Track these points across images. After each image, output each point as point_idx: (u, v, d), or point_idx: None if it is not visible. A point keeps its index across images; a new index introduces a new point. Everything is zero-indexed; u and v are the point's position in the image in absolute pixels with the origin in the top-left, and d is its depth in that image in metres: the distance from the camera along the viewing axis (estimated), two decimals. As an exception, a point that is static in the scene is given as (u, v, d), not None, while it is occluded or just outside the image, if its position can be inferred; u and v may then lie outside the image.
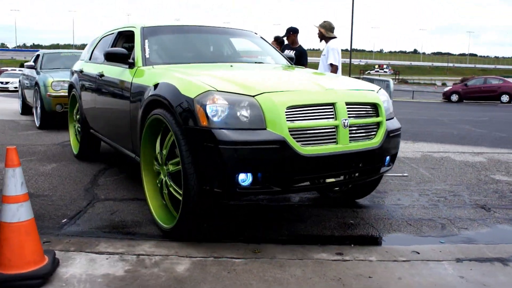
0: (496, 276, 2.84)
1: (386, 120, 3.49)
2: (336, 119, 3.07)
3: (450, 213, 4.11)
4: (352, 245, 3.29)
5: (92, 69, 5.22)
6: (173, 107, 2.97)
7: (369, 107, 3.37)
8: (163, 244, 3.09)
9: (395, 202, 4.40)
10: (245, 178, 2.77)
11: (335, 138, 3.06)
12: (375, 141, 3.30)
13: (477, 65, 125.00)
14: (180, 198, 3.00)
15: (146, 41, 4.10)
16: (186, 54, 4.42)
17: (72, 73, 6.09)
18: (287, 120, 2.88)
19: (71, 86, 6.02)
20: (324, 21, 6.54)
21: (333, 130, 3.06)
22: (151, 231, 3.37)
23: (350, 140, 3.13)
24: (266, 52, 4.91)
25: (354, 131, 3.20)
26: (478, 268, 2.93)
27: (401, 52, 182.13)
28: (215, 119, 2.77)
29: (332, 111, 3.08)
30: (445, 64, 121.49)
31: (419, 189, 4.90)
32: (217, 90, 2.88)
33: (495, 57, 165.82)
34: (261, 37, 5.20)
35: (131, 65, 4.01)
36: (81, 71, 5.59)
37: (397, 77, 76.89)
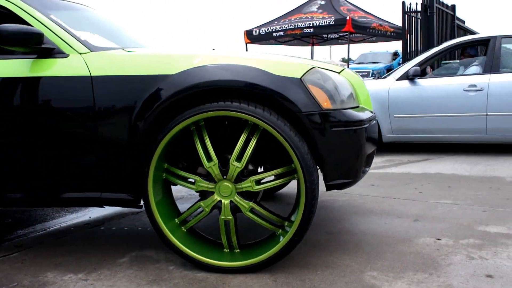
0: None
1: None
2: None
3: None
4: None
5: None
6: (270, 93, 2.36)
7: None
8: None
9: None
10: None
11: None
12: None
13: None
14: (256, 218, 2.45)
15: (53, 16, 2.76)
16: (110, 34, 3.32)
17: None
18: None
19: None
20: None
21: None
22: None
23: None
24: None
25: None
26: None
27: None
28: (336, 98, 2.44)
29: None
30: None
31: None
32: (318, 67, 2.52)
33: None
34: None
35: (50, 53, 2.62)
36: None
37: None
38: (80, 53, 2.60)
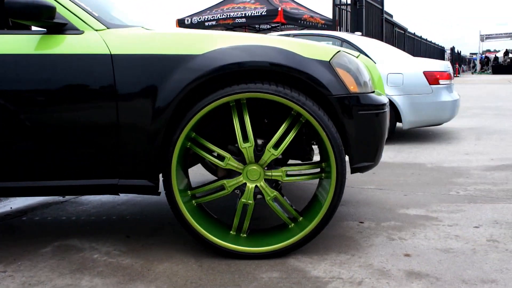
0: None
1: None
2: None
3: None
4: None
5: None
6: (303, 76, 2.34)
7: None
8: None
9: None
10: None
11: None
12: None
13: None
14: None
15: None
16: (118, 12, 3.01)
17: None
18: None
19: None
20: None
21: None
22: None
23: None
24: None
25: None
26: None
27: None
28: (360, 82, 2.48)
29: None
30: None
31: None
32: (343, 51, 2.56)
33: None
34: None
35: (61, 29, 2.40)
36: None
37: None
38: (96, 30, 2.41)
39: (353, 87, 2.41)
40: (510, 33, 47.08)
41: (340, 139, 2.35)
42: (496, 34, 48.05)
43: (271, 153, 2.37)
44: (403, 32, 16.90)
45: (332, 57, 2.42)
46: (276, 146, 2.36)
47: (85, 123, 2.35)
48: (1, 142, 2.38)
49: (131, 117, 2.34)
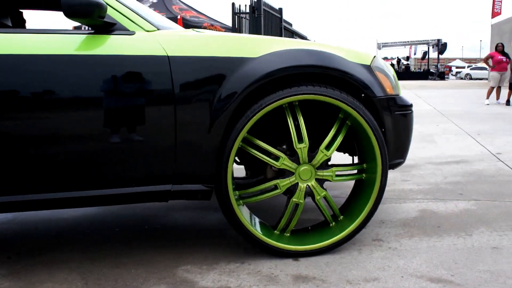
0: None
1: None
2: None
3: None
4: None
5: None
6: (351, 78, 2.49)
7: None
8: None
9: None
10: None
11: None
12: None
13: None
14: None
15: None
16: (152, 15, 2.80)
17: None
18: None
19: None
20: None
21: None
22: None
23: None
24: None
25: None
26: None
27: None
28: (393, 84, 2.70)
29: None
30: None
31: None
32: (377, 56, 2.74)
33: None
34: None
35: (109, 29, 2.30)
36: None
37: None
38: (147, 31, 2.35)
39: (389, 89, 2.63)
40: (404, 42, 49.80)
41: (380, 134, 2.50)
42: (392, 42, 50.48)
43: (323, 153, 2.51)
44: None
45: (371, 61, 2.63)
46: (327, 147, 2.51)
47: (141, 127, 2.27)
48: (51, 148, 2.21)
49: (188, 119, 2.29)
